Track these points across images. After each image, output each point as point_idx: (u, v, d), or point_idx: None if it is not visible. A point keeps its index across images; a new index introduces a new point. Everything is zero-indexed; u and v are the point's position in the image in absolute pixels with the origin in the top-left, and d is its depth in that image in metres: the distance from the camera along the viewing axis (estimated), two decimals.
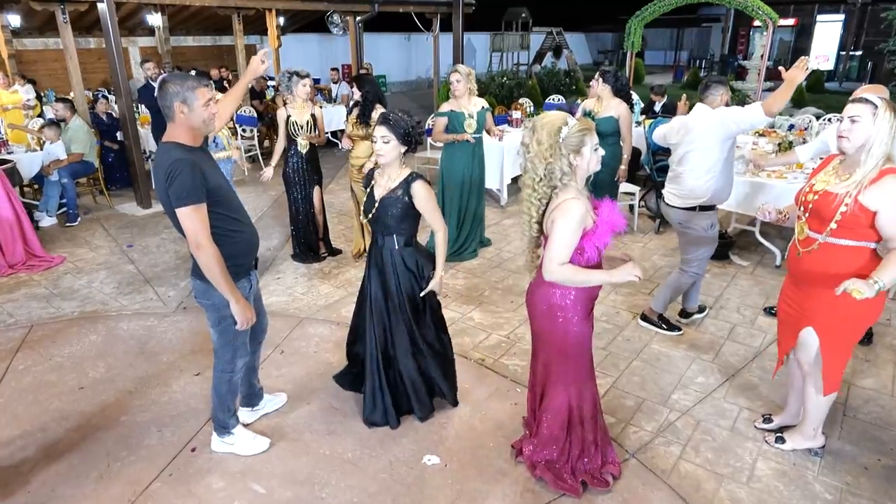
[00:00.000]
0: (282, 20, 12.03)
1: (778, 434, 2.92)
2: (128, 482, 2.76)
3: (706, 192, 3.56)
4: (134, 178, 6.97)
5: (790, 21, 18.17)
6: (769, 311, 4.20)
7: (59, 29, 7.11)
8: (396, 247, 2.82)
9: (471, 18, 13.10)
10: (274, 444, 2.97)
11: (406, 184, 2.72)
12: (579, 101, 8.56)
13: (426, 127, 6.86)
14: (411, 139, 2.74)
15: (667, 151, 6.14)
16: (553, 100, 9.38)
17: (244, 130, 8.77)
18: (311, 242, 5.21)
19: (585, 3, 28.32)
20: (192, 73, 7.01)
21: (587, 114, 5.07)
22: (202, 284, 2.61)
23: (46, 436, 3.09)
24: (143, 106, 7.97)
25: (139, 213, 6.87)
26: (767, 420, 3.06)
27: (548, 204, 2.35)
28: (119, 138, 7.93)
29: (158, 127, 6.74)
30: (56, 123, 6.45)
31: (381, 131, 2.70)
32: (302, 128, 4.76)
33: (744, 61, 12.54)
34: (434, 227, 2.80)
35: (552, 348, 2.55)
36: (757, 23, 19.45)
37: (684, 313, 4.08)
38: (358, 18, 10.99)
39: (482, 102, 5.13)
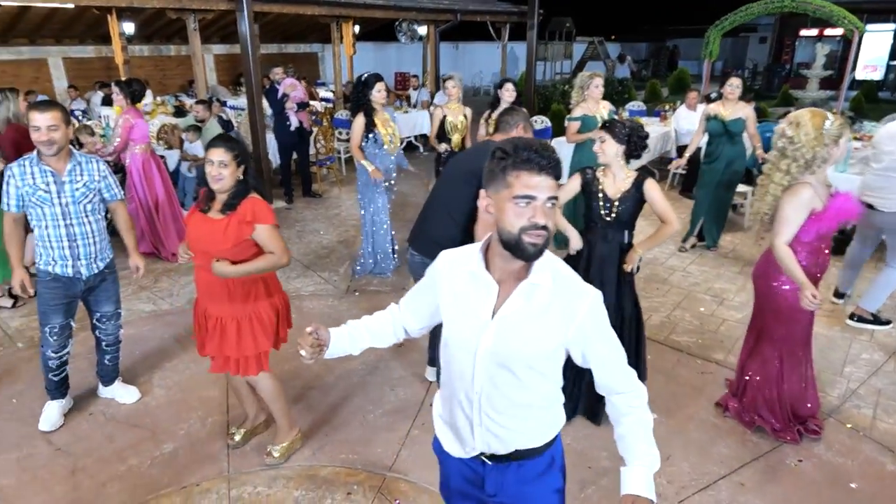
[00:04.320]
0: (357, 28, 12.54)
1: None
2: (388, 429, 3.18)
3: None
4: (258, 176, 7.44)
5: (838, 31, 18.39)
6: None
7: (188, 36, 7.67)
8: (626, 240, 3.08)
9: (520, 28, 13.57)
10: None
11: (639, 182, 2.97)
12: (667, 106, 8.97)
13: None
14: (628, 139, 2.97)
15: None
16: (634, 106, 9.77)
17: (340, 133, 9.23)
18: None
19: (626, 14, 28.72)
20: None
21: (713, 118, 5.43)
22: (423, 262, 3.06)
23: (293, 392, 3.52)
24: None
25: None
26: None
27: None
28: None
29: (280, 127, 7.20)
30: (196, 126, 6.94)
31: (598, 134, 3.04)
32: (457, 127, 5.21)
33: (804, 71, 12.84)
34: (666, 219, 2.96)
35: (768, 311, 2.94)
36: (804, 32, 19.80)
37: (838, 293, 4.44)
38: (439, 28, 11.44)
39: (610, 106, 5.48)
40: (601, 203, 3.02)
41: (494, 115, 5.26)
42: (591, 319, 1.47)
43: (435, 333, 3.57)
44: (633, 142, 3.01)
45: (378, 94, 4.61)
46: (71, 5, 8.19)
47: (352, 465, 2.93)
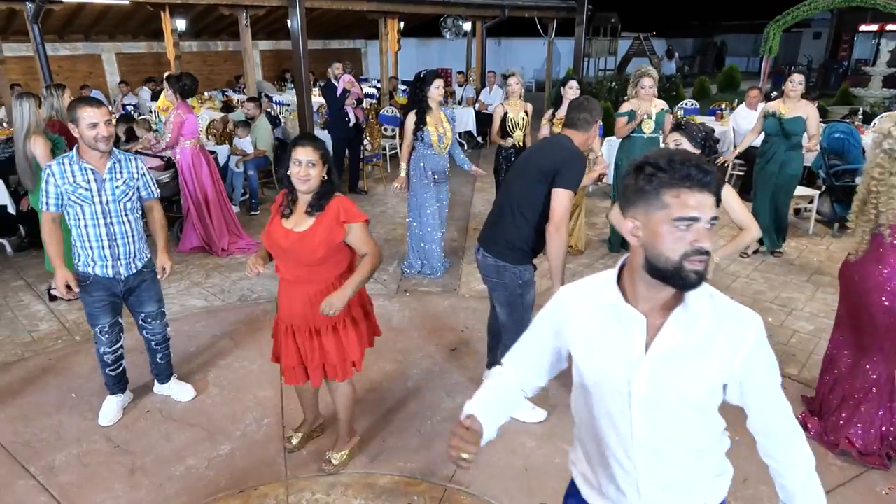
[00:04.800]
0: (402, 24, 12.47)
1: None
2: (446, 437, 3.05)
3: None
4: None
5: None
6: None
7: (239, 32, 7.71)
8: None
9: (565, 24, 13.27)
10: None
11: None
12: (723, 104, 8.64)
13: None
14: (705, 144, 2.87)
15: (841, 156, 6.19)
16: (688, 104, 9.46)
17: (386, 129, 9.19)
18: None
19: (673, 9, 27.95)
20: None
21: (771, 115, 5.13)
22: (497, 264, 2.93)
23: None
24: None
25: None
26: None
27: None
28: (277, 136, 8.49)
29: (338, 123, 7.19)
30: (247, 122, 6.97)
31: (673, 136, 2.92)
32: (518, 124, 5.08)
33: (867, 68, 12.23)
34: (744, 225, 2.87)
35: (876, 327, 2.72)
36: (863, 27, 18.93)
37: None
38: (486, 23, 11.29)
39: (662, 104, 5.26)
40: None
41: (559, 114, 5.11)
42: (759, 349, 1.29)
43: (494, 334, 3.47)
44: (708, 146, 2.87)
45: (436, 90, 4.52)
46: (126, 1, 8.34)
47: (410, 474, 2.84)
